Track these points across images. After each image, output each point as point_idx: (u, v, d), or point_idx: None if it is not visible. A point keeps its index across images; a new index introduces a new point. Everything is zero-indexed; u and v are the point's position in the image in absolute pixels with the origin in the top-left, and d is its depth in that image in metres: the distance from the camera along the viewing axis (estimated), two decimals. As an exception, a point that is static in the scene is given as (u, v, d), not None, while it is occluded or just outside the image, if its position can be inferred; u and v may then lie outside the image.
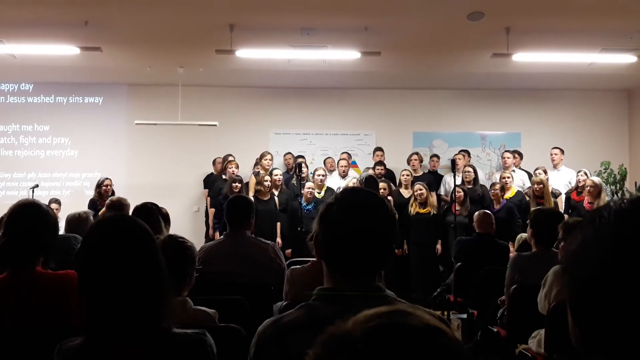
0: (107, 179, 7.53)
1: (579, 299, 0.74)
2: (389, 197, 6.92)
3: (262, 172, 8.04)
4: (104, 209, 5.63)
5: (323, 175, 7.76)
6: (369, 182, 6.98)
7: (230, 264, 3.77)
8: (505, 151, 8.70)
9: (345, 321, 0.69)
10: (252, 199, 4.98)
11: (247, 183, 7.88)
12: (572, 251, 0.77)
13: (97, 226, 1.67)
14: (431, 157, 8.92)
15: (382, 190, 7.03)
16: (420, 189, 7.33)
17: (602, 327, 0.71)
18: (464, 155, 8.68)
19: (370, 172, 8.01)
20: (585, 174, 7.41)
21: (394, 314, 0.69)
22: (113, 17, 6.43)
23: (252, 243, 4.00)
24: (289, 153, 9.00)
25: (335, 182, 8.12)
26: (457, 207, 7.01)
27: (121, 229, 1.59)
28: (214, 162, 8.88)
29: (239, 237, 3.94)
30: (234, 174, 7.76)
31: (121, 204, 4.96)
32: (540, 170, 7.78)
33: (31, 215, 2.34)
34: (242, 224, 3.98)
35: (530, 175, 8.01)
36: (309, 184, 7.55)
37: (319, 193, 7.53)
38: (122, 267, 1.52)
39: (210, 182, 8.64)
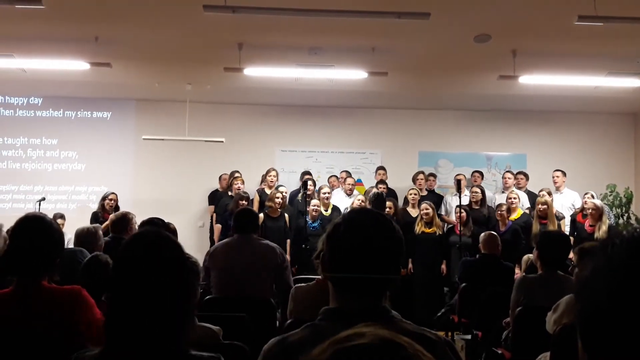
0: (112, 193, 7.36)
1: (589, 326, 0.74)
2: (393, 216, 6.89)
3: (266, 188, 8.03)
4: (107, 222, 5.63)
5: (329, 193, 7.74)
6: (377, 200, 6.96)
7: (236, 255, 3.98)
8: (507, 171, 8.67)
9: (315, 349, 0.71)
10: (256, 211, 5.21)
11: (253, 200, 7.83)
12: (584, 278, 0.77)
13: (136, 239, 1.65)
14: (428, 176, 8.74)
15: (387, 209, 7.00)
16: (427, 209, 7.29)
17: (611, 354, 0.71)
18: (475, 177, 8.65)
19: (375, 190, 7.99)
20: (593, 196, 7.33)
21: (350, 338, 0.70)
22: (123, 34, 6.50)
23: (260, 243, 4.17)
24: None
25: (341, 200, 8.10)
26: (461, 228, 6.97)
27: (160, 246, 1.58)
28: (219, 179, 8.89)
29: (247, 237, 4.12)
30: (240, 190, 7.74)
31: (125, 218, 4.99)
32: (544, 192, 7.71)
33: (36, 228, 2.34)
34: (249, 228, 4.12)
35: (534, 197, 7.89)
36: (314, 202, 7.50)
37: (325, 211, 7.50)
38: (156, 284, 1.52)
39: (215, 198, 8.63)
